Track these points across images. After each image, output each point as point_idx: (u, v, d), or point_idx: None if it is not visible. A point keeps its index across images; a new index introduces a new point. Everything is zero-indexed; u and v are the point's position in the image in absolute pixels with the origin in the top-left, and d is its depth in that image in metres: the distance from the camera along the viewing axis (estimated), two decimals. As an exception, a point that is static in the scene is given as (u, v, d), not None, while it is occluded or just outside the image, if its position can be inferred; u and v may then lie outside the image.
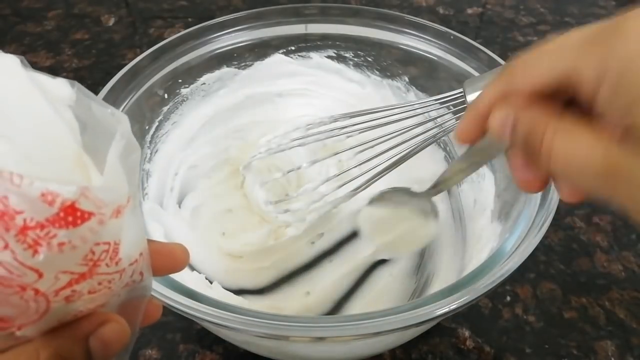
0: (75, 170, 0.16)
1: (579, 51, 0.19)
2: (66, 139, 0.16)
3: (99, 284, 0.17)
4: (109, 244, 0.16)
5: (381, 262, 0.45)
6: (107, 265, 0.16)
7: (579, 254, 0.47)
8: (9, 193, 0.14)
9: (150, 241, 0.20)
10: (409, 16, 0.47)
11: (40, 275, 0.15)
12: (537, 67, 0.20)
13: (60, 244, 0.15)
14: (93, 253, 0.16)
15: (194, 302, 0.26)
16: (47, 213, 0.14)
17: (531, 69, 0.20)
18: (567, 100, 0.20)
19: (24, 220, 0.14)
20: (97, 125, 0.17)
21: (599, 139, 0.18)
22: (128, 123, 0.17)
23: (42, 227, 0.14)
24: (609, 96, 0.18)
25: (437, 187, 0.33)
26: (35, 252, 0.14)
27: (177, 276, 0.28)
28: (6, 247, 0.14)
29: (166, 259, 0.22)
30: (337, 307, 0.42)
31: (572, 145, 0.19)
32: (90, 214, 0.15)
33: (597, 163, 0.18)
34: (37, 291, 0.15)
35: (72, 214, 0.15)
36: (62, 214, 0.14)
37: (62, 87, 0.17)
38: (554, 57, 0.19)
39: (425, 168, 0.49)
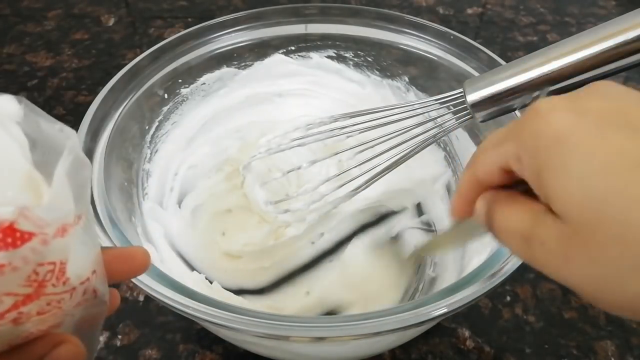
0: (25, 189, 0.16)
1: (503, 136, 0.21)
2: (15, 157, 0.16)
3: (48, 304, 0.16)
4: (54, 263, 0.16)
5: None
6: (53, 285, 0.16)
7: (579, 254, 0.47)
8: None
9: (108, 248, 0.20)
10: (409, 16, 0.47)
11: None
12: (484, 160, 0.23)
13: (0, 266, 0.14)
14: (37, 274, 0.15)
15: (194, 302, 0.26)
16: None
17: (482, 163, 0.23)
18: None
19: None
20: (47, 142, 0.17)
21: (529, 208, 0.20)
22: (77, 139, 0.17)
23: None
24: (526, 171, 0.20)
25: (418, 255, 0.36)
26: None
27: (177, 276, 0.28)
28: None
29: (126, 264, 0.21)
30: (337, 307, 0.42)
31: (506, 213, 0.21)
32: (31, 234, 0.15)
33: (522, 226, 0.20)
34: None
35: (11, 235, 0.14)
36: (0, 235, 0.14)
37: (8, 104, 0.17)
38: (492, 150, 0.22)
39: (425, 168, 0.49)
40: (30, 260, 0.15)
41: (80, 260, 0.17)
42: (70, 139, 0.17)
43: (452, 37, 0.45)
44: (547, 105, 0.19)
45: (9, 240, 0.14)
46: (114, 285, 0.21)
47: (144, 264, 0.22)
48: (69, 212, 0.16)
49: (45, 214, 0.15)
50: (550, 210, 0.19)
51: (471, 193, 0.24)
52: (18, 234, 0.14)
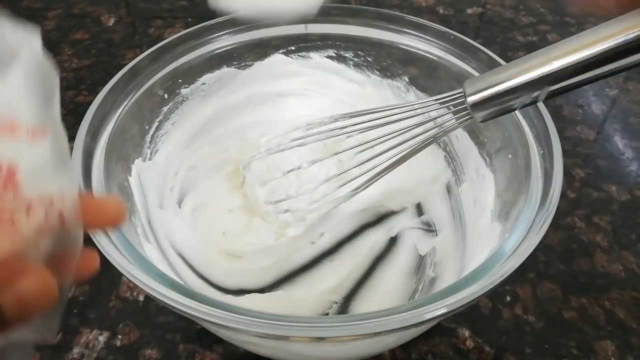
0: None
1: None
2: None
3: None
4: None
5: (381, 262, 0.45)
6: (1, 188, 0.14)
7: (579, 254, 0.47)
8: None
9: (81, 194, 0.18)
10: (409, 16, 0.47)
11: None
12: None
13: None
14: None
15: (194, 302, 0.26)
16: None
17: None
18: None
19: None
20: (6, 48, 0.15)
21: None
22: (39, 43, 0.16)
23: None
24: None
25: None
26: None
27: (176, 276, 0.28)
28: None
29: (99, 212, 0.20)
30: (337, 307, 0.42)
31: None
32: None
33: None
34: None
35: None
36: None
37: None
38: None
39: (425, 168, 0.49)
40: None
41: (41, 175, 0.15)
42: (31, 41, 0.15)
43: (452, 37, 0.45)
44: None
45: None
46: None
47: (118, 214, 0.20)
48: (22, 111, 0.15)
49: None
50: None
51: None
52: None
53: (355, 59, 0.51)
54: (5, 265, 0.15)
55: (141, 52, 0.42)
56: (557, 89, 0.30)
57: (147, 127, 0.44)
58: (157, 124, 0.45)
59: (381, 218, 0.49)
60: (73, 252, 0.18)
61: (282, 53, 0.51)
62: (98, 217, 0.20)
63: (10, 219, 0.14)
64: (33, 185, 0.15)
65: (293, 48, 0.51)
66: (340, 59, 0.51)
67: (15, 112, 0.14)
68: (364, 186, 0.41)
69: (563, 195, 0.49)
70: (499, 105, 0.32)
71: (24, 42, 0.16)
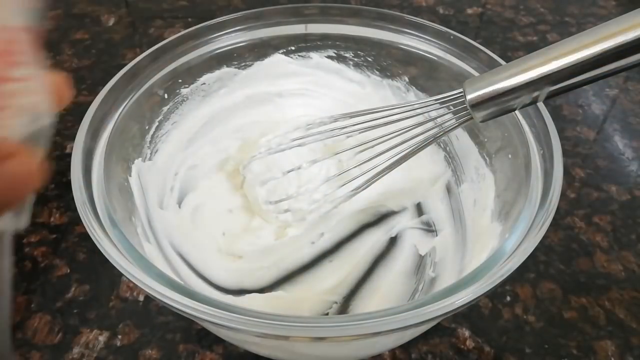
0: None
1: None
2: None
3: None
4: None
5: (381, 261, 0.45)
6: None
7: (579, 254, 0.47)
8: None
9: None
10: (409, 16, 0.47)
11: None
12: None
13: None
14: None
15: (194, 302, 0.26)
16: None
17: None
18: None
19: None
20: None
21: None
22: None
23: None
24: None
25: None
26: None
27: (176, 276, 0.28)
28: None
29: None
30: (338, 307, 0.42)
31: None
32: None
33: None
34: None
35: None
36: None
37: None
38: None
39: (425, 168, 0.49)
40: None
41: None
42: None
43: (452, 37, 0.45)
44: None
45: None
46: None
47: (64, 93, 0.19)
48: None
49: None
50: None
51: None
52: None
53: (355, 59, 0.51)
54: None
55: (141, 52, 0.42)
56: (557, 89, 0.30)
57: (147, 127, 0.44)
58: (157, 124, 0.45)
59: (381, 218, 0.49)
60: (45, 132, 0.17)
61: (282, 53, 0.51)
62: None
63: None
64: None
65: (293, 48, 0.51)
66: (340, 59, 0.52)
67: None
68: (364, 186, 0.41)
69: (563, 195, 0.49)
70: (499, 105, 0.32)
71: None
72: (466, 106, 0.33)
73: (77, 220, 0.40)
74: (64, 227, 0.49)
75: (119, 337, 0.41)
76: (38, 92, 0.16)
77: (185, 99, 0.47)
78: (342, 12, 0.49)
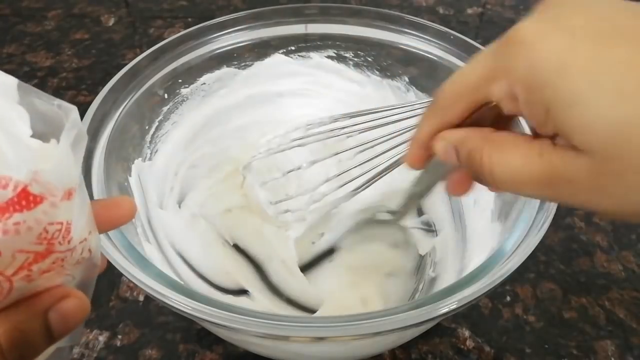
0: (33, 156, 0.17)
1: (486, 74, 0.20)
2: (20, 126, 0.17)
3: (54, 262, 0.18)
4: (61, 224, 0.17)
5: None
6: (60, 243, 0.17)
7: (578, 254, 0.47)
8: None
9: (96, 200, 0.21)
10: (409, 16, 0.47)
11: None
12: (455, 97, 0.21)
13: (16, 224, 0.15)
14: (47, 232, 0.17)
15: (194, 302, 0.26)
16: (3, 198, 0.15)
17: (451, 100, 0.22)
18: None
19: None
20: (43, 118, 0.18)
21: (532, 147, 0.19)
22: (77, 113, 0.18)
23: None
24: (526, 109, 0.19)
25: (401, 212, 0.37)
26: None
27: (176, 276, 0.28)
28: None
29: (113, 211, 0.22)
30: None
31: (509, 158, 0.20)
32: (42, 198, 0.16)
33: (535, 169, 0.19)
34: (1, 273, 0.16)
35: (25, 199, 0.15)
36: (16, 199, 0.15)
37: (4, 78, 0.18)
38: (465, 85, 0.21)
39: (425, 168, 0.49)
40: (42, 221, 0.16)
41: (80, 220, 0.18)
42: (72, 113, 0.18)
43: (452, 37, 0.45)
44: (531, 32, 0.18)
45: (24, 202, 0.16)
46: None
47: (129, 211, 0.23)
48: (74, 178, 0.18)
49: (53, 179, 0.16)
50: (554, 144, 0.18)
51: (431, 137, 0.23)
52: (31, 197, 0.16)
53: (356, 59, 0.51)
54: (54, 289, 0.18)
55: (141, 52, 0.42)
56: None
57: (147, 127, 0.44)
58: (157, 123, 0.45)
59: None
60: (94, 275, 0.21)
61: (282, 53, 0.51)
62: (112, 216, 0.22)
63: (62, 261, 0.18)
64: (77, 231, 0.18)
65: (293, 48, 0.51)
66: (340, 59, 0.51)
67: (71, 181, 0.17)
68: (364, 186, 0.41)
69: (563, 195, 0.49)
70: (499, 105, 0.32)
71: (64, 114, 0.18)
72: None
73: (77, 220, 0.40)
74: (64, 227, 0.49)
75: (119, 337, 0.41)
76: (93, 245, 0.20)
77: (185, 99, 0.47)
78: (342, 12, 0.49)
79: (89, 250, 0.20)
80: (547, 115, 0.18)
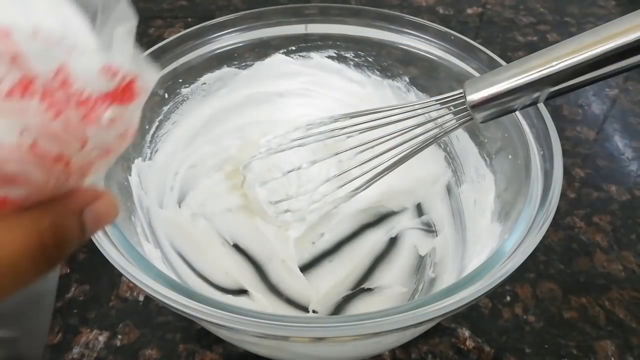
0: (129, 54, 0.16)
1: None
2: (83, 25, 0.16)
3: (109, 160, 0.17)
4: (132, 125, 0.17)
5: (381, 262, 0.45)
6: (125, 144, 0.17)
7: (578, 254, 0.47)
8: (71, 62, 0.13)
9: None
10: (409, 16, 0.47)
11: (83, 145, 0.15)
12: None
13: (112, 120, 0.15)
14: (126, 131, 0.16)
15: (194, 302, 0.26)
16: (107, 87, 0.14)
17: None
18: None
19: (84, 91, 0.14)
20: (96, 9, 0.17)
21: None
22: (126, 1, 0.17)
23: (101, 100, 0.14)
24: None
25: None
26: (90, 122, 0.14)
27: (176, 276, 0.28)
28: (59, 114, 0.14)
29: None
30: (337, 307, 0.42)
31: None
32: (136, 96, 0.16)
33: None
34: (67, 163, 0.15)
35: (127, 91, 0.15)
36: (119, 90, 0.15)
37: None
38: None
39: (425, 168, 0.49)
40: (126, 119, 0.16)
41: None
42: (121, 2, 0.17)
43: (452, 37, 0.45)
44: None
45: (125, 96, 0.15)
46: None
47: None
48: (152, 82, 0.17)
49: (144, 80, 0.16)
50: None
51: None
52: (129, 93, 0.15)
53: (356, 59, 0.51)
54: (89, 190, 0.19)
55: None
56: (558, 90, 0.30)
57: (147, 127, 0.44)
58: (157, 123, 0.45)
59: (381, 218, 0.49)
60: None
61: (282, 53, 0.51)
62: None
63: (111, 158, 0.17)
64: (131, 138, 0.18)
65: (293, 48, 0.51)
66: (340, 59, 0.52)
67: (149, 86, 0.17)
68: (364, 186, 0.41)
69: (563, 195, 0.49)
70: (499, 106, 0.32)
71: (114, 4, 0.17)
72: (466, 107, 0.33)
73: (77, 220, 0.40)
74: (64, 227, 0.49)
75: (119, 337, 0.41)
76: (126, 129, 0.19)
77: (185, 98, 0.47)
78: (342, 12, 0.49)
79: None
80: None
